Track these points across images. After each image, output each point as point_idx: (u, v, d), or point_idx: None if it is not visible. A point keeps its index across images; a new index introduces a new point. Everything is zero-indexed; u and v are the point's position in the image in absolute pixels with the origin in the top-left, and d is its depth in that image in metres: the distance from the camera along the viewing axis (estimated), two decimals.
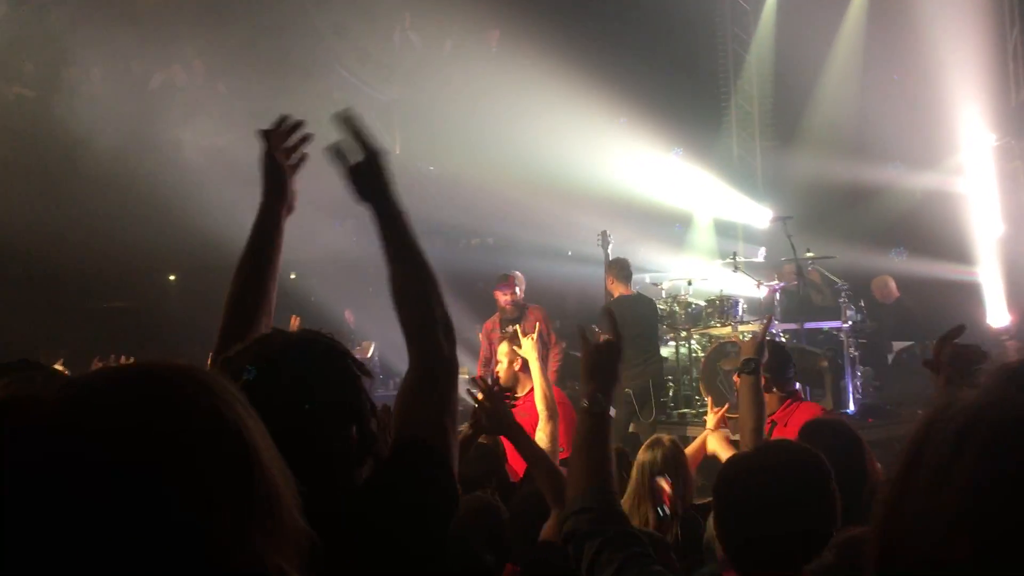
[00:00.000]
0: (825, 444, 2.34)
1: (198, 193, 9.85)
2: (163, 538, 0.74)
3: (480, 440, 3.61)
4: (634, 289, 8.12)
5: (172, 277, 11.83)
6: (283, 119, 1.96)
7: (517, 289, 7.57)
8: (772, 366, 4.27)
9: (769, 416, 4.21)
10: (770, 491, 1.89)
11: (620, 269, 7.82)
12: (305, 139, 1.93)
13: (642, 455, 3.67)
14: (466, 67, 11.59)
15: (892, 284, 9.63)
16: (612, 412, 1.83)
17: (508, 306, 7.48)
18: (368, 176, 1.78)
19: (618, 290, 7.78)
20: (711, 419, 4.29)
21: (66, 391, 0.80)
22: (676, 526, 3.45)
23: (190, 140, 10.84)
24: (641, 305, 7.88)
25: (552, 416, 4.03)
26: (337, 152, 1.81)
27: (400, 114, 12.24)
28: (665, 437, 3.90)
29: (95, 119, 9.95)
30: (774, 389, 4.34)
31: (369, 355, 8.88)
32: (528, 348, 4.30)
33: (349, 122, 1.80)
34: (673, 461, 3.62)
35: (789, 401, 4.42)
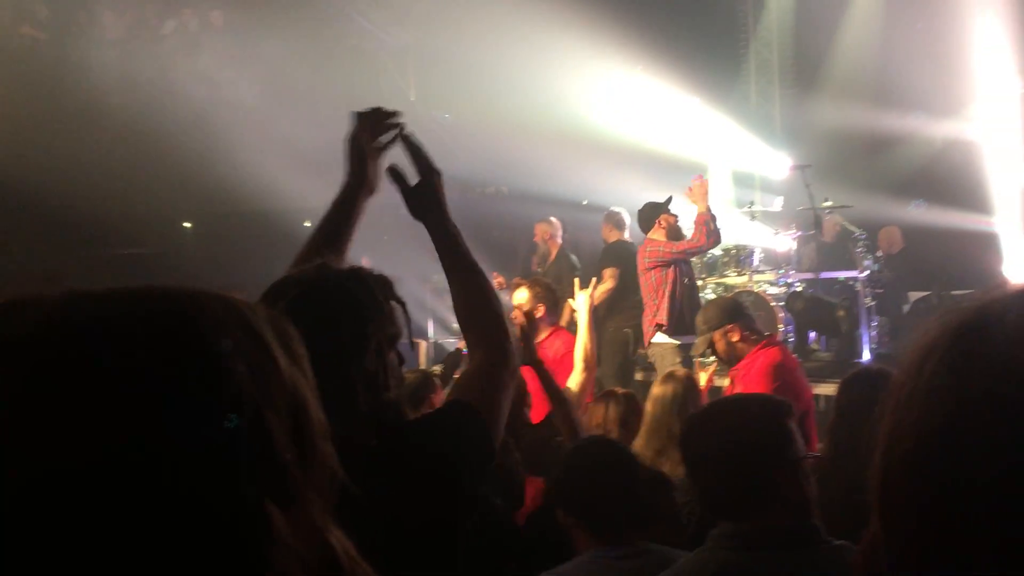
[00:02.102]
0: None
1: (214, 141, 9.82)
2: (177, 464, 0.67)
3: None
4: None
5: (188, 224, 11.85)
6: (378, 109, 2.02)
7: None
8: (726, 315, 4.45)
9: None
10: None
11: (619, 219, 8.12)
12: (397, 127, 1.98)
13: (657, 389, 3.68)
14: (482, 12, 11.41)
15: (898, 234, 9.55)
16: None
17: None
18: (424, 196, 1.89)
19: (615, 236, 8.06)
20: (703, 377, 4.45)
21: (71, 293, 0.74)
22: None
23: (205, 88, 10.77)
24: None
25: (587, 369, 4.03)
26: (395, 173, 1.92)
27: (415, 60, 12.11)
28: (680, 370, 3.91)
29: (108, 63, 9.90)
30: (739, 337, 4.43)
31: None
32: (583, 299, 4.23)
33: (407, 142, 1.93)
34: (690, 394, 3.65)
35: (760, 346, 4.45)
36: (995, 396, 0.62)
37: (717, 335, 4.45)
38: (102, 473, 0.65)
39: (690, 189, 6.64)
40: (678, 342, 6.31)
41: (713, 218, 6.54)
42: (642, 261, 6.70)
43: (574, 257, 8.52)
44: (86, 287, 0.77)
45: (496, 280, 6.69)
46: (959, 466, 0.63)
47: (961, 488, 0.63)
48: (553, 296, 4.87)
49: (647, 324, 6.62)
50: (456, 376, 3.25)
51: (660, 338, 6.42)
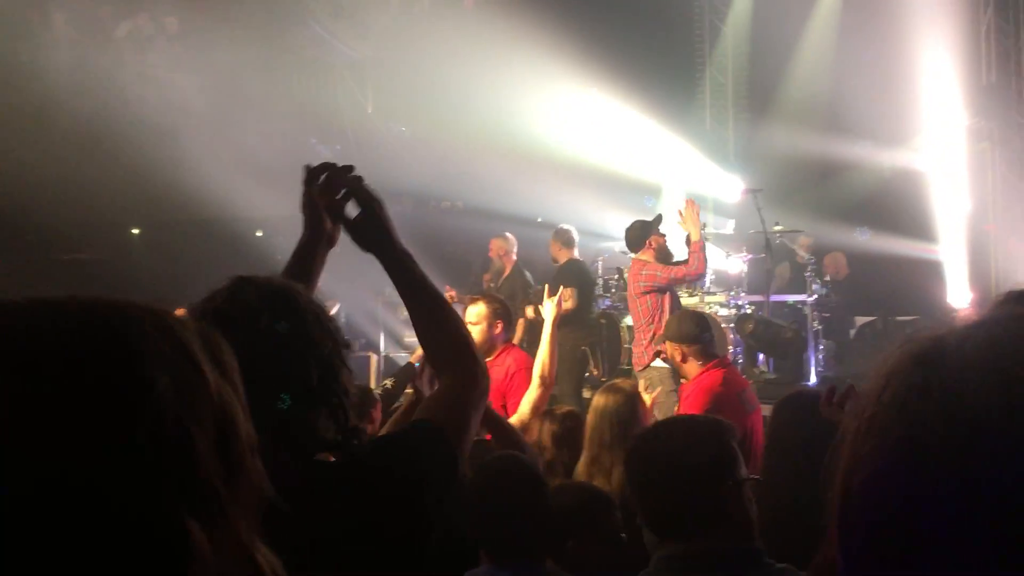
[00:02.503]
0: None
1: (166, 147, 9.67)
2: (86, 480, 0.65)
3: None
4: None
5: (135, 231, 11.64)
6: (328, 165, 1.93)
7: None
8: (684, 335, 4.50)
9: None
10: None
11: (568, 236, 8.22)
12: (348, 188, 1.89)
13: (598, 400, 3.67)
14: (441, 28, 11.44)
15: (844, 260, 9.76)
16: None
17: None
18: (368, 228, 1.85)
19: (566, 255, 8.13)
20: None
21: None
22: None
23: (158, 93, 10.62)
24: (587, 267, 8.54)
25: (544, 385, 3.94)
26: (334, 212, 1.91)
27: (373, 72, 12.08)
28: (624, 382, 3.90)
29: (59, 65, 9.71)
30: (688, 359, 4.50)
31: (334, 313, 8.83)
32: (551, 309, 4.15)
33: (345, 178, 1.89)
34: (633, 407, 3.64)
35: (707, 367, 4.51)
36: (949, 424, 0.63)
37: (671, 346, 4.55)
38: (16, 488, 0.64)
39: (680, 213, 6.62)
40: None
41: (704, 246, 6.55)
42: (635, 285, 6.49)
43: (528, 274, 8.55)
44: (10, 296, 0.75)
45: (448, 294, 6.67)
46: (913, 494, 0.63)
47: (916, 516, 0.63)
48: (509, 313, 4.84)
49: (641, 348, 6.41)
50: (409, 391, 3.21)
51: (658, 362, 6.20)
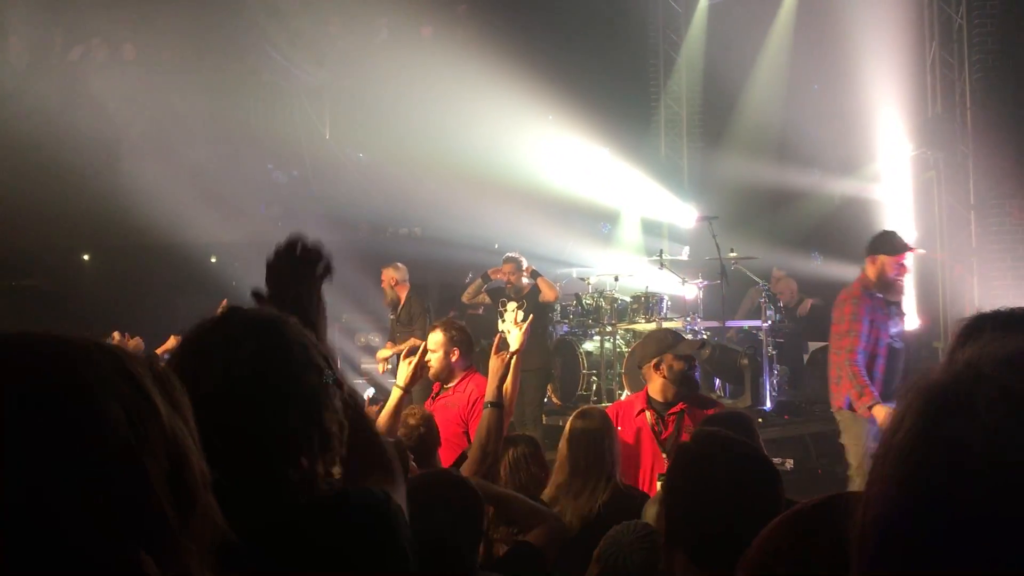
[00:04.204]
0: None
1: (118, 172, 9.55)
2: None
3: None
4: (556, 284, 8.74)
5: (86, 257, 11.44)
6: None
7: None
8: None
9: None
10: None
11: (521, 262, 8.37)
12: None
13: (574, 423, 3.68)
14: (398, 56, 11.48)
15: (794, 287, 9.93)
16: None
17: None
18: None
19: (521, 278, 8.31)
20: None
21: None
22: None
23: (110, 117, 10.49)
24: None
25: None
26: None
27: (330, 98, 12.07)
28: (594, 408, 3.91)
29: (9, 89, 9.56)
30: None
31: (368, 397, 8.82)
32: (517, 338, 4.08)
33: None
34: (608, 430, 3.66)
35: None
36: (960, 463, 0.66)
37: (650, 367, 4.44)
38: None
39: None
40: None
41: None
42: (846, 318, 5.51)
43: (425, 300, 8.73)
44: None
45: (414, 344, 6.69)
46: (922, 529, 0.66)
47: (925, 553, 0.66)
48: (467, 338, 4.83)
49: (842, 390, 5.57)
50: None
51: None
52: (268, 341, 1.45)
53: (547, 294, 8.28)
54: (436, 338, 4.72)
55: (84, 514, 0.67)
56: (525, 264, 8.44)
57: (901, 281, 5.66)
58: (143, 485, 0.70)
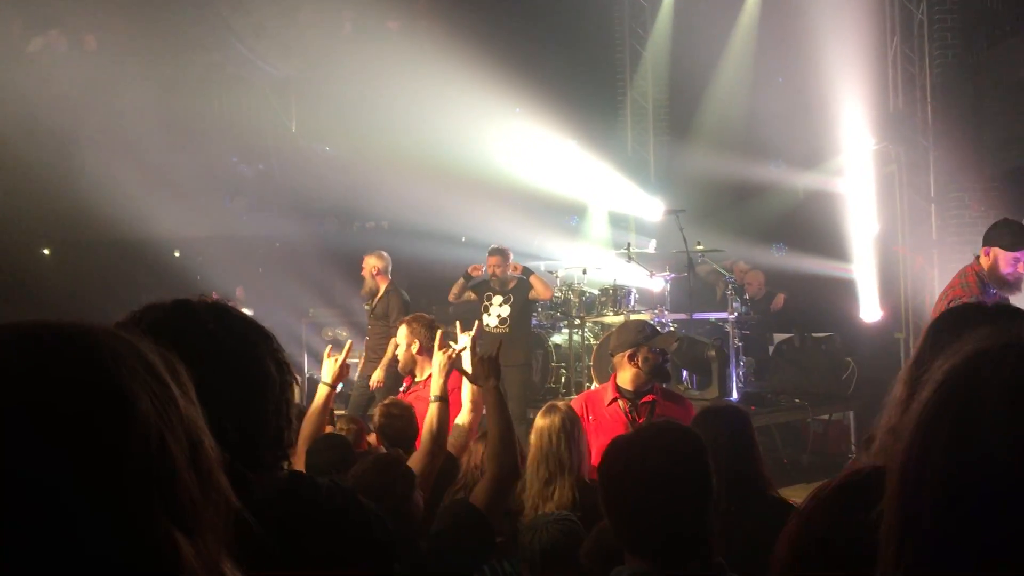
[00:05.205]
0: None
1: (79, 165, 9.40)
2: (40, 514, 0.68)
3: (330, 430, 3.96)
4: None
5: (46, 251, 11.26)
6: None
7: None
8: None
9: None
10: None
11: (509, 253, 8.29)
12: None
13: (541, 421, 3.68)
14: (364, 48, 11.41)
15: (761, 279, 10.03)
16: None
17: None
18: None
19: (509, 269, 8.20)
20: None
21: None
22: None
23: (71, 110, 10.32)
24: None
25: (475, 409, 3.83)
26: None
27: (296, 92, 11.97)
28: (560, 403, 3.94)
29: None
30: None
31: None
32: (468, 360, 4.00)
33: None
34: (574, 424, 3.67)
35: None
36: (972, 439, 0.76)
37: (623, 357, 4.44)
38: (20, 505, 0.67)
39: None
40: None
41: None
42: (956, 287, 5.00)
43: (404, 293, 8.21)
44: None
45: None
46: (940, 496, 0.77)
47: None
48: (432, 331, 4.84)
49: None
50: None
51: None
52: (228, 317, 1.50)
53: (542, 292, 8.15)
54: (401, 332, 4.89)
55: (124, 497, 0.70)
56: (511, 257, 8.24)
57: (1018, 277, 4.95)
58: (173, 468, 0.74)
